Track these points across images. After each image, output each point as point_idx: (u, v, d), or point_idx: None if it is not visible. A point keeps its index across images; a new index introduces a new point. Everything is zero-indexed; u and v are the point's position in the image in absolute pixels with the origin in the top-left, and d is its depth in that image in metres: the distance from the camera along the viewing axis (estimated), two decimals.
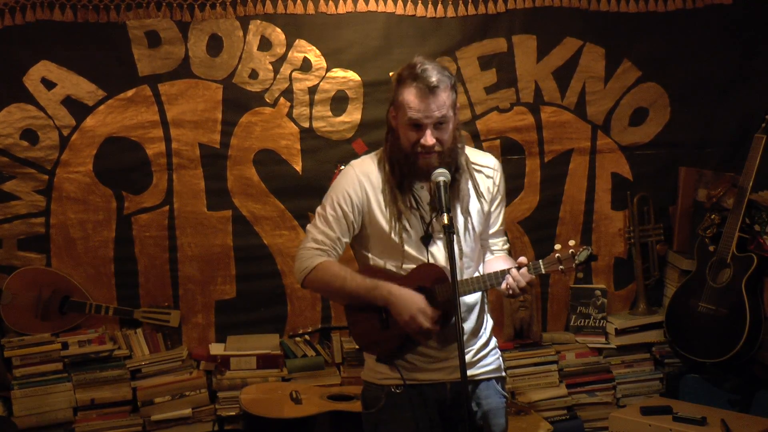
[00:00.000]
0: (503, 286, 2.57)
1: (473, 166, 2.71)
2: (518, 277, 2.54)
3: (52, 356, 3.94)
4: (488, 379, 2.74)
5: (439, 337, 2.64)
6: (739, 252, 4.02)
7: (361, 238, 2.70)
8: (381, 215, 2.63)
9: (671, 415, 3.82)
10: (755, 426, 3.76)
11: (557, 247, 2.56)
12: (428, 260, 2.64)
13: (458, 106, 2.65)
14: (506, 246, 2.84)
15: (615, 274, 4.46)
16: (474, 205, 2.69)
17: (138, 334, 4.09)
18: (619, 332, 4.31)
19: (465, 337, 2.66)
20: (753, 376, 4.06)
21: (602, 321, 4.37)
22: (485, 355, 2.75)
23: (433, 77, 2.52)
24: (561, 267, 2.54)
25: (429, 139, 2.55)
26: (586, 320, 4.39)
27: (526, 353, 4.25)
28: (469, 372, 2.64)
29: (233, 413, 3.97)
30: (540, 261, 2.57)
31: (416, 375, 2.67)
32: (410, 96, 2.55)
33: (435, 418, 2.68)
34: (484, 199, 2.71)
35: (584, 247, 2.55)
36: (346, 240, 2.67)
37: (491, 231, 2.78)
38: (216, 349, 4.10)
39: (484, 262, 2.79)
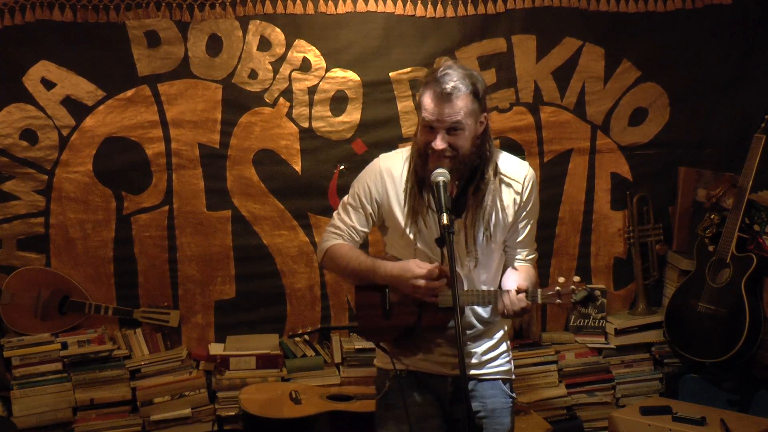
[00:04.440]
0: (499, 306, 2.61)
1: (501, 176, 2.69)
2: (514, 301, 2.57)
3: (52, 356, 3.94)
4: (494, 380, 2.76)
5: (446, 333, 2.68)
6: (739, 252, 4.02)
7: (382, 229, 2.80)
8: (399, 210, 2.68)
9: (670, 415, 3.82)
10: (754, 426, 3.76)
11: (560, 280, 2.58)
12: (441, 261, 2.65)
13: (487, 114, 2.63)
14: (531, 256, 2.81)
15: (614, 274, 4.46)
16: (497, 216, 2.68)
17: (137, 334, 4.09)
18: (619, 332, 4.31)
19: (474, 335, 2.72)
20: (752, 376, 4.06)
21: (602, 321, 4.37)
22: (494, 357, 2.78)
23: (449, 83, 2.53)
24: (558, 301, 2.57)
25: (439, 143, 2.56)
26: (586, 320, 4.39)
27: (525, 353, 4.26)
28: (475, 371, 2.73)
29: (233, 413, 3.98)
30: (538, 291, 2.59)
31: (419, 363, 2.72)
32: (427, 98, 2.57)
33: (436, 405, 2.72)
34: (508, 211, 2.70)
35: (584, 286, 2.56)
36: (363, 229, 2.77)
37: (515, 241, 2.77)
38: (215, 349, 4.11)
39: (504, 272, 2.79)
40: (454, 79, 2.54)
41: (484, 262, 2.70)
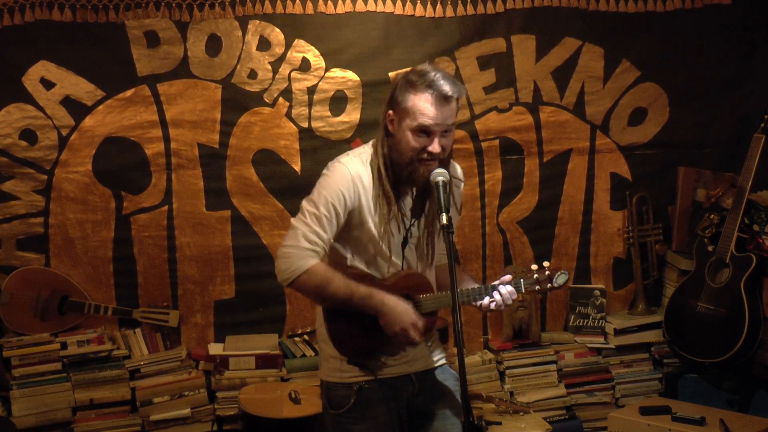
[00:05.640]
0: (486, 300, 2.62)
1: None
2: (506, 294, 2.61)
3: (51, 356, 3.94)
4: (442, 365, 2.81)
5: None
6: (738, 252, 4.02)
7: (345, 239, 2.65)
8: (371, 219, 2.61)
9: (670, 415, 3.82)
10: (754, 426, 3.76)
11: (534, 267, 2.66)
12: (402, 265, 2.67)
13: None
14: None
15: (614, 274, 4.46)
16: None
17: (137, 334, 4.09)
18: (618, 332, 4.31)
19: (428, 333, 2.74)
20: (752, 376, 4.06)
21: (601, 321, 4.37)
22: (437, 345, 2.82)
23: (448, 86, 2.53)
24: (538, 287, 2.65)
25: (437, 146, 2.55)
26: (585, 320, 4.39)
27: (525, 353, 4.26)
28: (434, 358, 2.78)
29: (232, 413, 3.97)
30: (521, 280, 2.65)
31: (384, 370, 2.70)
32: (424, 103, 2.53)
33: (404, 409, 2.73)
34: (455, 207, 2.76)
35: (562, 271, 2.66)
36: (333, 240, 2.63)
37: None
38: (215, 349, 4.10)
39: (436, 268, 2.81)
40: (449, 83, 2.54)
41: (431, 261, 2.74)
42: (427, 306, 2.64)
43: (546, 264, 2.66)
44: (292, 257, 2.55)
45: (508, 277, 2.65)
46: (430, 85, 2.53)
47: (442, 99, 2.52)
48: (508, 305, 2.62)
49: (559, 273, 2.65)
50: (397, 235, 2.65)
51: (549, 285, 2.65)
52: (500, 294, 2.61)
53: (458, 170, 2.80)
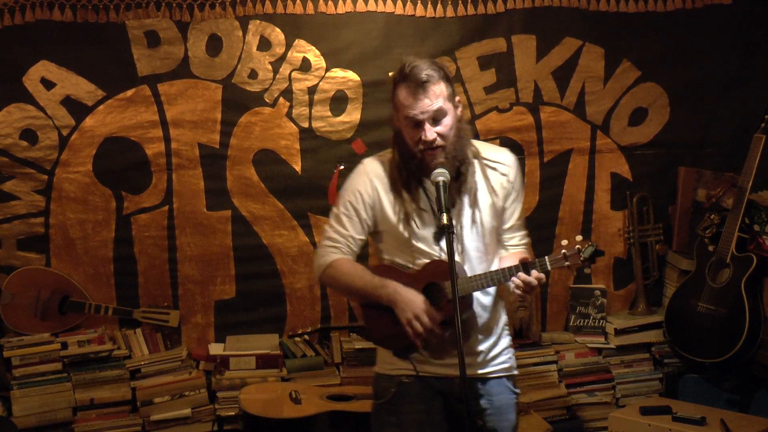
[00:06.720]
0: (511, 284, 2.58)
1: (484, 161, 2.72)
2: (527, 278, 2.54)
3: (52, 356, 3.94)
4: (499, 377, 2.78)
5: (453, 334, 2.65)
6: (739, 252, 4.01)
7: (375, 234, 2.76)
8: (392, 213, 2.68)
9: (670, 415, 3.82)
10: (754, 426, 3.76)
11: (564, 242, 2.59)
12: (439, 255, 2.66)
13: (458, 98, 2.67)
14: (524, 240, 2.83)
15: (614, 274, 4.46)
16: (484, 200, 2.70)
17: (137, 334, 4.09)
18: (619, 332, 4.31)
19: (481, 324, 2.72)
20: (752, 376, 4.06)
21: (602, 321, 4.37)
22: (498, 354, 2.78)
23: (422, 73, 2.56)
24: (567, 263, 2.57)
25: (428, 134, 2.58)
26: (586, 320, 4.39)
27: (525, 353, 4.25)
28: (481, 370, 2.74)
29: (233, 413, 3.97)
30: (546, 258, 2.59)
31: (427, 368, 2.71)
32: (404, 95, 2.59)
33: (441, 410, 2.73)
34: (496, 194, 2.72)
35: (589, 242, 2.57)
36: (361, 237, 2.73)
37: (506, 226, 2.78)
38: (215, 349, 4.11)
39: (500, 258, 2.78)
40: (424, 69, 2.57)
41: (480, 249, 2.71)
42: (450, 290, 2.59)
43: (578, 238, 2.58)
44: (318, 255, 2.75)
45: (528, 257, 2.59)
46: (405, 77, 2.58)
47: (418, 86, 2.56)
48: (533, 286, 2.55)
49: (587, 245, 2.55)
50: (425, 227, 2.65)
51: (579, 260, 2.55)
52: (520, 279, 2.54)
53: (493, 152, 2.74)
